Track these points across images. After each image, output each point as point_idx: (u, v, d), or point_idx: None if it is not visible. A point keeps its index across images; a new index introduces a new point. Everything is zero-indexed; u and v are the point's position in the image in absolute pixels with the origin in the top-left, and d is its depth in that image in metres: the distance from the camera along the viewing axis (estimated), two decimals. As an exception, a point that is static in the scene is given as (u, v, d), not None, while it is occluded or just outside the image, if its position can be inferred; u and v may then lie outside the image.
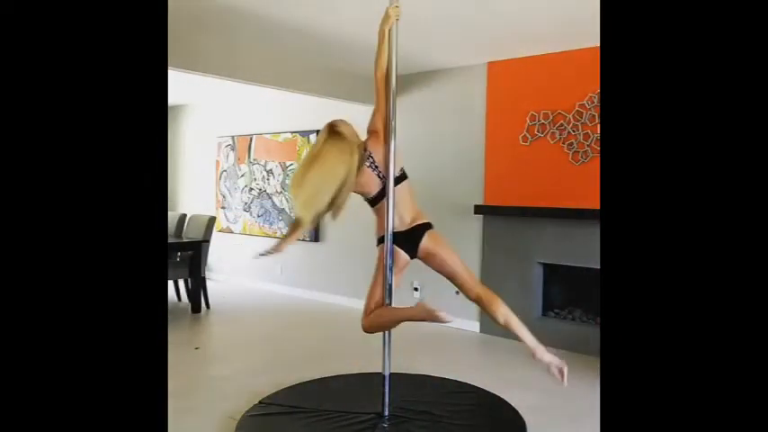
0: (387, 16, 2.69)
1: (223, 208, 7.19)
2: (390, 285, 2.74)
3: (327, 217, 2.81)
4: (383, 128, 2.73)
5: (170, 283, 5.88)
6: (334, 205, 2.67)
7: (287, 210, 6.45)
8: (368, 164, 2.70)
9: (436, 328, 5.01)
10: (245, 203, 6.91)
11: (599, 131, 4.12)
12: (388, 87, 2.73)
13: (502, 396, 3.26)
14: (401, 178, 2.74)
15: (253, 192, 6.83)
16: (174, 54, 3.83)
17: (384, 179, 2.70)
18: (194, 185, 7.64)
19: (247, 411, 2.97)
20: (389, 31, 2.71)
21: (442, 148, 5.13)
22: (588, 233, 4.19)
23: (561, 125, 4.38)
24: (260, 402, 3.08)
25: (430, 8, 3.42)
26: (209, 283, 6.37)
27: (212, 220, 5.79)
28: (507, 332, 2.73)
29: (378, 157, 2.71)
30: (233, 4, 3.46)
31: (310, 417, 2.89)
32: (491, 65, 4.79)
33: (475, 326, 4.91)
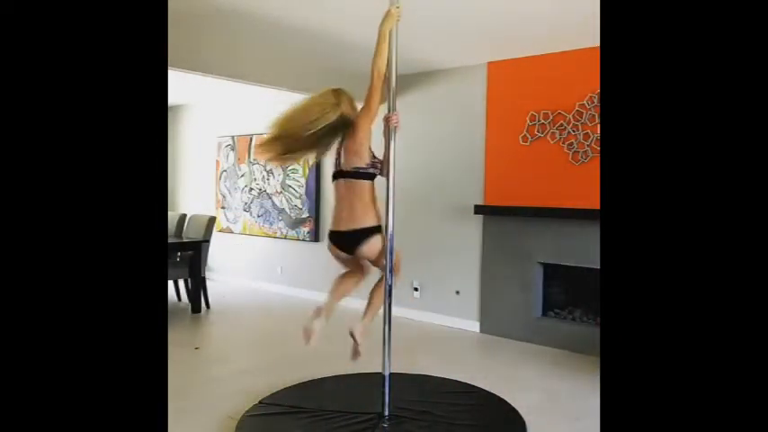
0: (389, 16, 2.68)
1: (223, 208, 7.19)
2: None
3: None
4: (367, 126, 2.72)
5: (170, 283, 5.88)
6: (295, 143, 2.75)
7: (287, 210, 6.45)
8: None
9: (436, 328, 5.01)
10: (245, 203, 6.91)
11: (599, 131, 4.12)
12: (383, 89, 2.73)
13: (502, 396, 3.26)
14: (366, 175, 2.74)
15: (253, 192, 6.83)
16: (174, 54, 3.83)
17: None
18: (194, 185, 7.64)
19: (247, 411, 2.97)
20: (390, 31, 2.71)
21: (442, 148, 5.13)
22: (588, 233, 4.18)
23: (561, 125, 4.38)
24: (260, 402, 3.08)
25: (430, 8, 3.42)
26: (209, 283, 6.37)
27: (212, 220, 5.79)
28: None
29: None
30: (233, 4, 3.46)
31: (310, 417, 2.89)
32: (491, 65, 4.78)
33: (475, 326, 4.91)
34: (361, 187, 2.73)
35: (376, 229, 2.76)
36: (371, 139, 2.76)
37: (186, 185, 7.76)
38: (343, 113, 2.74)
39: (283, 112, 2.75)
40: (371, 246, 2.75)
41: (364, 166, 2.72)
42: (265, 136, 2.80)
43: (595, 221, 4.10)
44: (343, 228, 2.77)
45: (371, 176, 2.77)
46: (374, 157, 2.79)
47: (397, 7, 2.71)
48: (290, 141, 2.74)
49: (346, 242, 2.78)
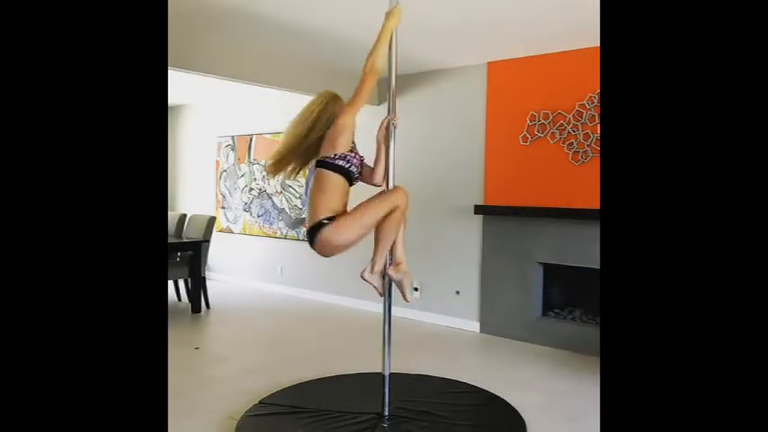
0: (395, 14, 2.68)
1: (223, 208, 7.19)
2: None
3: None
4: (349, 117, 2.60)
5: (170, 283, 5.88)
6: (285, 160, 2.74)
7: (287, 210, 6.45)
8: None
9: (436, 328, 5.01)
10: (245, 203, 6.91)
11: (599, 131, 4.12)
12: (368, 87, 2.62)
13: (502, 396, 3.26)
14: (334, 167, 2.58)
15: (253, 192, 6.83)
16: (175, 54, 3.83)
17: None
18: (194, 185, 7.64)
19: (247, 411, 2.97)
20: (391, 30, 2.72)
21: (442, 148, 5.13)
22: (588, 233, 4.18)
23: (561, 125, 4.38)
24: (260, 402, 3.09)
25: (430, 8, 3.42)
26: (209, 283, 6.37)
27: (212, 220, 5.79)
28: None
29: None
30: (233, 4, 3.46)
31: (310, 417, 2.89)
32: (491, 65, 4.78)
33: (475, 326, 4.91)
34: (325, 179, 2.57)
35: (321, 224, 2.53)
36: (353, 133, 2.65)
37: (186, 185, 7.77)
38: (332, 113, 2.65)
39: (286, 128, 2.74)
40: (320, 244, 2.56)
41: (331, 156, 2.56)
42: (271, 156, 2.75)
43: (595, 221, 4.10)
44: (307, 225, 2.63)
45: (341, 170, 2.58)
46: (353, 151, 2.65)
47: (397, 7, 2.71)
48: (292, 156, 2.71)
49: (309, 241, 2.63)
